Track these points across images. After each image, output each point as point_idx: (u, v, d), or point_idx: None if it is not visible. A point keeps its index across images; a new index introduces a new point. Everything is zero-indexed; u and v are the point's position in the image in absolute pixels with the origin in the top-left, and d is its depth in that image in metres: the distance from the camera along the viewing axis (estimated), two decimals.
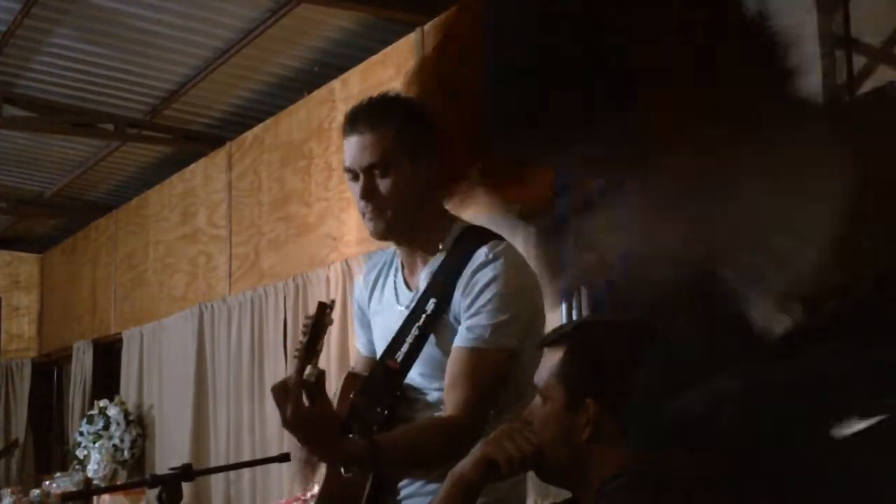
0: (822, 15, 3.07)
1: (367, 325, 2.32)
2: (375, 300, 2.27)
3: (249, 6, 5.21)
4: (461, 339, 2.04)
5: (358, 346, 2.38)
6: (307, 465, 2.17)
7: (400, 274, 2.22)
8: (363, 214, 2.13)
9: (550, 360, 1.68)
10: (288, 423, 1.85)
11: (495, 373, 2.03)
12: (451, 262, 2.11)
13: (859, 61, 3.03)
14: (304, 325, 1.90)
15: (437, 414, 2.07)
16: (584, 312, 3.29)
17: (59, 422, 8.98)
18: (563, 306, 3.26)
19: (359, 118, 2.11)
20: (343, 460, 1.96)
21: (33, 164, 7.89)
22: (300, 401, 1.83)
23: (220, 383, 6.25)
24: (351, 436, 1.93)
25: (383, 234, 2.14)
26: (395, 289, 2.22)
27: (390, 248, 2.32)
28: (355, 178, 2.11)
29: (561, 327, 1.80)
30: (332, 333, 5.00)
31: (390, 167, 2.08)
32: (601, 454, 1.59)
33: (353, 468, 2.01)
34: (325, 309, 1.91)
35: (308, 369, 1.84)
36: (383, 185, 2.08)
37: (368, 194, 2.08)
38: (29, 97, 6.58)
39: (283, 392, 1.85)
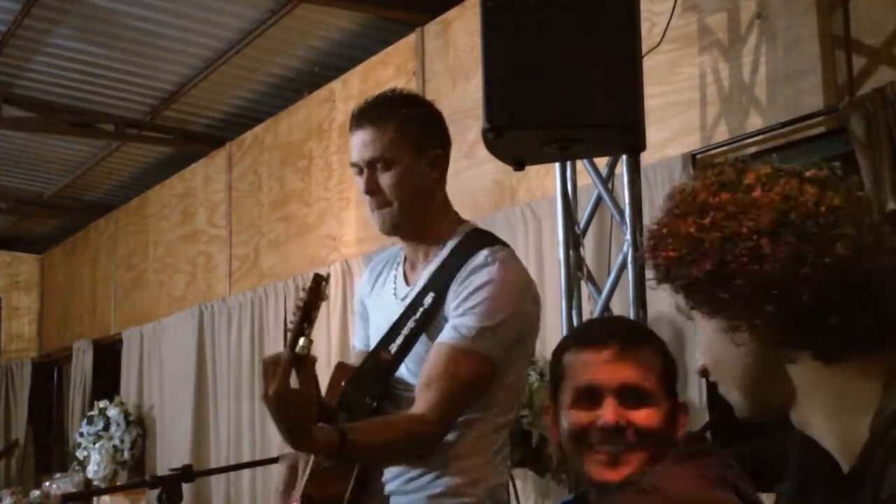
0: (822, 15, 3.07)
1: (366, 320, 2.32)
2: (375, 294, 2.28)
3: (249, 6, 5.21)
4: (444, 336, 2.04)
5: (355, 341, 2.39)
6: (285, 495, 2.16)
7: (401, 269, 2.23)
8: (371, 210, 2.14)
9: (641, 359, 1.62)
10: (268, 399, 1.80)
11: (472, 377, 2.02)
12: (451, 260, 2.12)
13: (859, 61, 3.03)
14: (299, 299, 1.90)
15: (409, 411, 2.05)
16: (583, 312, 3.29)
17: (58, 422, 8.97)
18: (563, 305, 3.26)
19: (363, 114, 2.14)
20: (311, 448, 1.93)
21: (33, 164, 7.89)
22: (286, 379, 1.80)
23: (220, 384, 6.25)
24: (321, 424, 1.88)
25: (390, 228, 2.16)
26: (395, 282, 2.23)
27: (388, 248, 2.33)
28: (360, 172, 2.13)
29: (615, 325, 1.75)
30: (333, 333, 5.01)
31: (392, 162, 2.10)
32: None
33: (323, 458, 1.99)
34: (320, 281, 1.90)
35: (301, 341, 1.83)
36: (385, 179, 2.10)
37: (371, 189, 2.11)
38: (29, 97, 6.57)
39: (272, 366, 1.81)
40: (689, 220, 1.11)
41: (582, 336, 1.71)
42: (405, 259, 2.24)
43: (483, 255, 2.08)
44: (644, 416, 1.58)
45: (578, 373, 1.63)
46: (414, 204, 2.12)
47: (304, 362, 1.82)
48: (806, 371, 1.10)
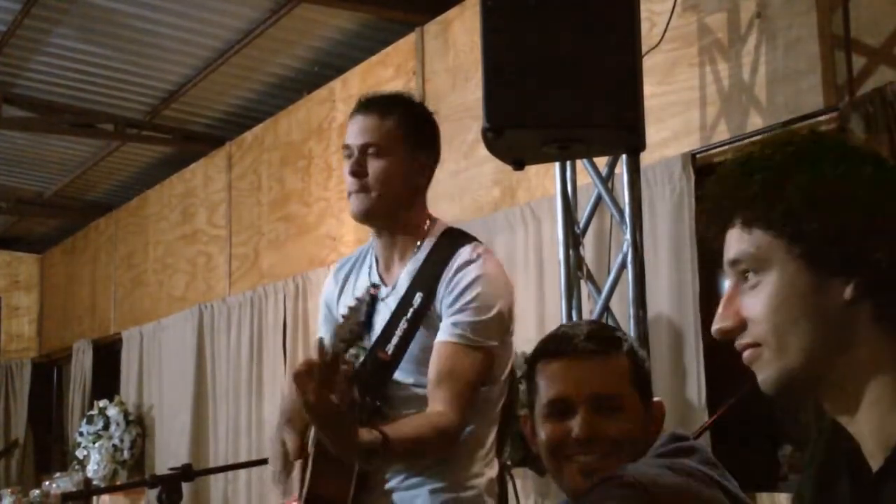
0: (821, 15, 3.07)
1: (332, 324, 2.33)
2: (347, 296, 2.28)
3: (249, 6, 5.21)
4: (446, 335, 2.08)
5: None
6: (282, 476, 2.17)
7: (374, 270, 2.24)
8: (349, 193, 2.17)
9: (609, 366, 1.61)
10: (312, 409, 1.80)
11: (478, 369, 2.08)
12: (434, 257, 2.16)
13: (859, 61, 3.03)
14: (360, 312, 1.98)
15: (426, 409, 2.09)
16: (583, 312, 3.29)
17: (58, 422, 8.97)
18: (563, 305, 3.26)
19: (369, 102, 2.20)
20: (357, 452, 1.94)
21: (33, 164, 7.89)
22: (327, 386, 1.81)
23: (219, 383, 6.25)
24: (362, 428, 1.90)
25: (362, 214, 2.18)
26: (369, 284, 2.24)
27: None
28: (350, 155, 2.17)
29: (582, 332, 1.76)
30: None
31: (385, 151, 2.15)
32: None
33: (366, 461, 2.00)
34: (378, 288, 1.97)
35: (352, 350, 1.88)
36: (374, 165, 2.14)
37: (356, 171, 2.15)
38: (29, 97, 6.58)
39: (306, 375, 1.80)
40: (808, 173, 1.09)
41: (550, 347, 1.67)
42: (377, 260, 2.25)
43: (467, 251, 2.14)
44: (617, 424, 1.57)
45: (549, 385, 1.62)
46: (392, 197, 2.16)
47: (336, 368, 1.84)
48: (877, 347, 1.08)
